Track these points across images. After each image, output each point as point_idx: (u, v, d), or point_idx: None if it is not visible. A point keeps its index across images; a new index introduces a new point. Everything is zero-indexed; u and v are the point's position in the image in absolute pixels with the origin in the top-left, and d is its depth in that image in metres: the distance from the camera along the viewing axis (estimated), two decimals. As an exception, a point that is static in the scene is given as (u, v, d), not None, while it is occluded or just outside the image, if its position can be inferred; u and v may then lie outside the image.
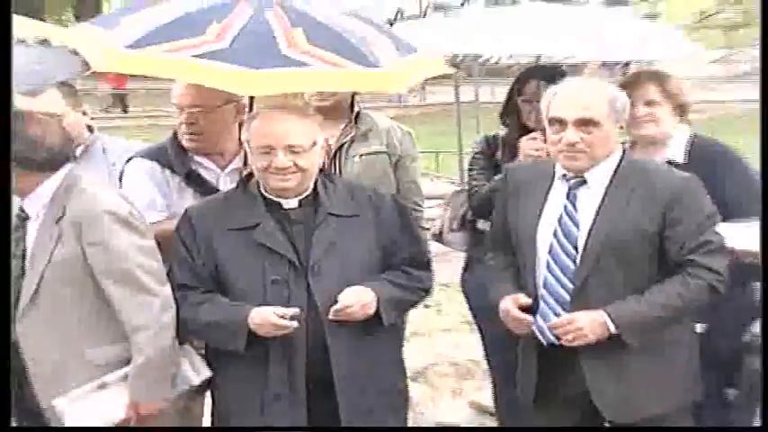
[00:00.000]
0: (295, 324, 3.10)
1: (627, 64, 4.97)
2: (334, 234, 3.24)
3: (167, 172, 3.80)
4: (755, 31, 30.46)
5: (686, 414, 3.30)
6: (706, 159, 3.76)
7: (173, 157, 3.81)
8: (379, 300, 3.21)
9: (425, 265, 3.42)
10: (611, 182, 3.21)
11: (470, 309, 4.52)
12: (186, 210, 3.41)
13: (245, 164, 3.67)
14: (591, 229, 3.16)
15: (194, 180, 3.81)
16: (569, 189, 3.23)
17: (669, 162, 3.73)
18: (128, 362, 3.30)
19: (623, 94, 3.29)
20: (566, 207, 3.22)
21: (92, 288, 3.30)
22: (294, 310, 3.10)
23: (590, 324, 3.10)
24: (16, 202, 3.35)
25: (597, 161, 3.21)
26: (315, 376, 3.17)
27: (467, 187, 4.55)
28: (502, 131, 4.48)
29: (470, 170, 4.49)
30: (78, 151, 4.01)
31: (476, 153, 4.48)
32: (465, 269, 4.50)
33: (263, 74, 3.20)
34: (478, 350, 4.91)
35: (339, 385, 3.18)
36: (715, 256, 3.15)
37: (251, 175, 3.36)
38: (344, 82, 3.54)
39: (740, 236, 3.32)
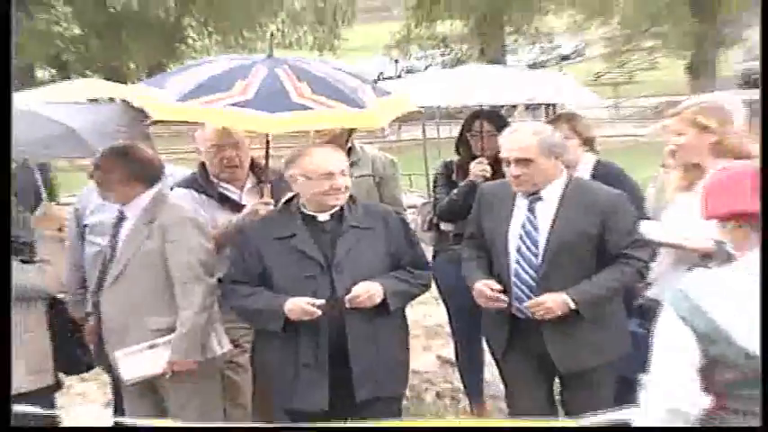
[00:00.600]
0: (319, 312, 3.07)
1: (553, 106, 4.96)
2: (354, 241, 3.19)
3: (202, 196, 3.80)
4: (636, 88, 30.62)
5: (614, 366, 3.33)
6: (606, 177, 3.76)
7: (204, 184, 3.83)
8: (385, 291, 3.16)
9: (424, 266, 3.37)
10: (561, 197, 3.24)
11: (437, 287, 4.44)
12: (242, 226, 3.43)
13: (258, 183, 3.79)
14: (549, 234, 3.21)
15: (223, 199, 3.79)
16: (529, 203, 3.26)
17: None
18: (173, 331, 3.34)
19: (553, 134, 3.27)
20: (528, 217, 3.25)
21: (162, 274, 3.35)
22: (321, 301, 3.08)
23: (556, 303, 3.16)
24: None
25: (541, 185, 3.23)
26: (335, 351, 3.12)
27: (432, 199, 4.54)
28: (456, 158, 4.45)
29: (434, 187, 4.50)
30: None
31: (438, 174, 4.48)
32: (433, 258, 4.43)
33: (278, 116, 3.23)
34: (443, 317, 4.86)
35: (353, 359, 3.14)
36: (642, 249, 3.25)
37: (292, 197, 3.33)
38: (339, 120, 3.55)
39: (655, 231, 3.34)
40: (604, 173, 3.85)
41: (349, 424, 3.16)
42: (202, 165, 3.90)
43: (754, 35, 31.94)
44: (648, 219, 3.43)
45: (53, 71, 28.83)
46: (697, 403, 2.15)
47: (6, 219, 2.57)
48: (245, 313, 3.31)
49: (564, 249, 3.18)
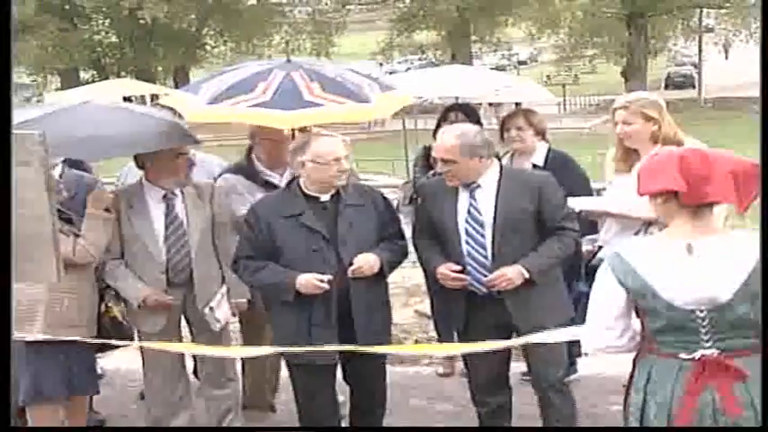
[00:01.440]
0: (326, 286, 3.00)
1: (518, 104, 4.96)
2: (352, 218, 3.11)
3: (248, 181, 3.71)
4: (581, 88, 30.61)
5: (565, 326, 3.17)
6: (557, 163, 3.78)
7: (250, 172, 3.74)
8: (381, 261, 3.10)
9: (403, 237, 3.29)
10: (498, 182, 3.10)
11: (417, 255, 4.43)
12: (252, 204, 3.28)
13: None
14: (494, 214, 3.06)
15: (266, 184, 3.67)
16: (470, 192, 3.11)
17: (534, 165, 3.78)
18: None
19: (476, 136, 3.08)
20: (471, 203, 3.10)
21: (212, 231, 3.51)
22: (328, 277, 3.00)
23: (514, 274, 3.02)
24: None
25: (470, 179, 3.09)
26: (342, 312, 3.06)
27: (411, 178, 4.51)
28: (435, 143, 4.43)
29: (414, 168, 4.47)
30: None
31: (418, 157, 4.45)
32: (413, 230, 4.42)
33: (292, 113, 3.22)
34: (420, 278, 4.81)
35: (356, 318, 3.08)
36: (573, 221, 3.15)
37: (292, 180, 3.23)
38: (347, 115, 3.47)
39: (581, 203, 3.36)
40: (556, 158, 3.85)
41: (343, 423, 3.25)
42: (249, 153, 3.80)
43: (674, 47, 32.05)
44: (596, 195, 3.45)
45: (94, 72, 28.65)
46: (617, 344, 2.21)
47: (6, 218, 2.43)
48: (260, 286, 3.23)
49: (509, 226, 3.05)
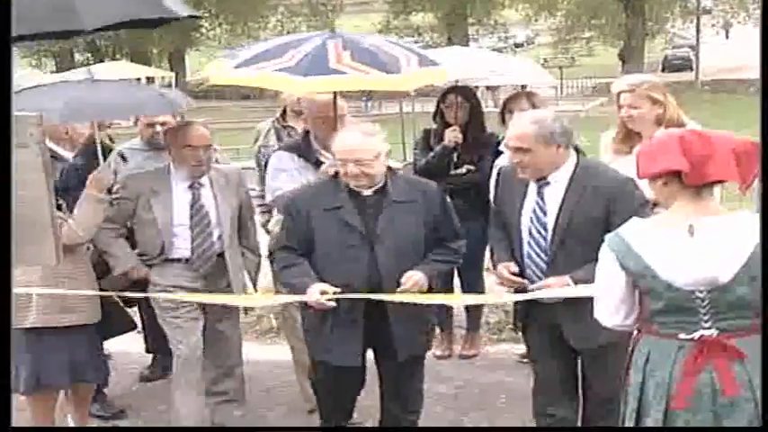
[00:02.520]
0: (331, 305, 2.82)
1: (523, 87, 4.88)
2: (394, 215, 2.91)
3: (301, 160, 3.52)
4: (578, 71, 30.54)
5: (622, 344, 2.82)
6: None
7: (304, 150, 3.53)
8: (429, 279, 2.91)
9: (458, 236, 3.05)
10: (569, 182, 2.81)
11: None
12: (291, 195, 3.13)
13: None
14: (557, 218, 2.80)
15: (319, 164, 3.44)
16: (538, 188, 2.85)
17: None
18: None
19: (554, 122, 2.80)
20: (537, 201, 2.85)
21: (239, 220, 3.50)
22: (335, 289, 2.82)
23: (558, 287, 2.77)
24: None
25: (543, 172, 2.80)
26: (371, 312, 2.89)
27: (412, 160, 4.45)
28: (434, 126, 4.40)
29: (414, 150, 4.43)
30: None
31: (418, 139, 4.41)
32: None
33: (308, 79, 3.11)
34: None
35: (392, 317, 2.90)
36: None
37: (338, 172, 3.03)
38: (366, 84, 3.39)
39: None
40: None
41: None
42: (306, 132, 3.63)
43: (672, 29, 31.94)
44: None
45: (89, 55, 28.45)
46: (625, 324, 2.23)
47: (7, 216, 2.40)
48: (282, 281, 3.11)
49: (570, 233, 2.77)
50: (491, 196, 3.17)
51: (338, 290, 2.82)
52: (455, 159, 4.21)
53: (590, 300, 2.61)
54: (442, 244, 3.00)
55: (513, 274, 2.86)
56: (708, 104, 20.63)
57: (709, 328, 2.10)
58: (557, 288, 2.78)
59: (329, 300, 2.82)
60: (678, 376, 2.10)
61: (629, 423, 2.21)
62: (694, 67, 32.11)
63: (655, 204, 2.86)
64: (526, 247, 2.86)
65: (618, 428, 2.74)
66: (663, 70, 32.67)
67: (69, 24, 2.98)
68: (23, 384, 3.33)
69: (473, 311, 4.53)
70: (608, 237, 2.24)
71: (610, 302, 2.23)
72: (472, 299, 3.04)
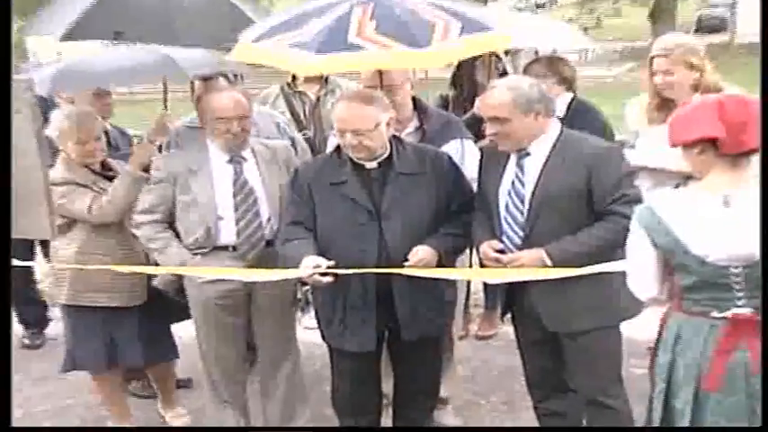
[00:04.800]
0: (327, 279, 2.78)
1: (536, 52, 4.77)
2: (402, 189, 2.88)
3: None
4: (601, 32, 30.22)
5: (614, 331, 2.87)
6: (579, 112, 3.71)
7: None
8: (440, 255, 2.87)
9: (473, 207, 2.98)
10: (550, 152, 2.78)
11: None
12: (295, 168, 3.08)
13: (420, 127, 3.32)
14: (534, 189, 2.77)
15: (396, 139, 3.13)
16: (518, 159, 2.82)
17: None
18: None
19: (532, 89, 2.77)
20: (516, 173, 2.82)
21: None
22: (330, 262, 2.78)
23: (530, 260, 2.72)
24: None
25: (522, 143, 2.77)
26: (382, 291, 2.88)
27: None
28: (452, 93, 4.36)
29: None
30: None
31: (436, 106, 4.18)
32: None
33: (318, 58, 2.89)
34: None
35: (398, 298, 2.90)
36: (630, 205, 2.57)
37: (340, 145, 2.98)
38: (388, 62, 3.08)
39: (634, 156, 3.19)
40: (577, 108, 3.78)
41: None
42: None
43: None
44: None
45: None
46: (661, 298, 2.26)
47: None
48: (281, 254, 3.00)
49: (548, 205, 2.73)
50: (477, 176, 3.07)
51: (332, 263, 2.79)
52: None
53: (565, 279, 2.66)
54: (455, 217, 2.98)
55: (498, 251, 2.80)
56: (744, 68, 20.38)
57: (743, 305, 2.12)
58: (529, 263, 2.70)
59: (324, 274, 2.78)
60: (709, 356, 2.13)
61: (658, 405, 2.25)
62: (730, 28, 31.69)
63: (689, 178, 2.87)
64: (504, 224, 2.83)
65: (619, 428, 2.83)
66: (696, 31, 32.23)
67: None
68: (62, 364, 3.48)
69: (491, 289, 4.56)
70: (637, 209, 2.25)
71: (643, 277, 2.26)
72: (488, 274, 2.98)
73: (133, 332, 3.40)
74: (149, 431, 3.68)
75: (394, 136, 2.98)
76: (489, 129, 2.80)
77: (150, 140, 3.47)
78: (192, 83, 3.80)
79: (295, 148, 3.58)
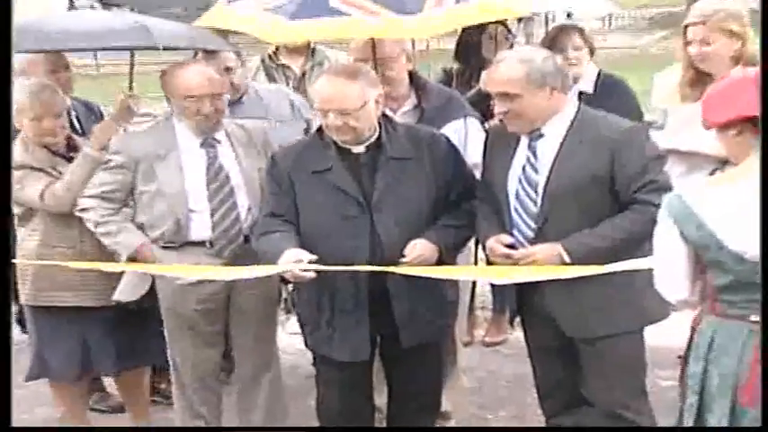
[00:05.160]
0: (309, 275, 2.73)
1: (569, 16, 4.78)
2: (395, 176, 2.85)
3: None
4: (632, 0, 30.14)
5: (638, 336, 2.86)
6: (609, 89, 3.70)
7: None
8: (440, 251, 2.85)
9: (474, 195, 2.97)
10: (566, 133, 2.75)
11: None
12: (273, 154, 3.05)
13: (418, 105, 3.32)
14: (549, 176, 2.73)
15: (386, 119, 3.08)
16: (530, 141, 2.78)
17: (581, 93, 3.67)
18: None
19: (546, 61, 2.75)
20: (528, 158, 2.78)
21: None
22: (313, 257, 2.74)
23: (546, 256, 2.69)
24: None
25: (536, 122, 2.75)
26: (376, 291, 2.85)
27: None
28: (455, 66, 4.33)
29: None
30: (243, 98, 3.81)
31: (438, 81, 4.23)
32: None
33: (293, 24, 2.87)
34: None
35: (394, 298, 2.87)
36: (657, 193, 2.56)
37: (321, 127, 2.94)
38: (367, 29, 3.09)
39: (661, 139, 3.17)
40: (606, 83, 3.78)
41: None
42: None
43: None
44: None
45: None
46: (693, 300, 2.24)
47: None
48: (258, 249, 2.95)
49: (564, 193, 2.70)
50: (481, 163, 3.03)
51: (314, 257, 2.75)
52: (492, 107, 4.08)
53: (583, 278, 2.63)
54: (454, 206, 2.96)
55: (508, 247, 2.77)
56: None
57: (786, 308, 2.09)
58: (544, 260, 2.68)
59: (306, 270, 2.74)
60: (747, 365, 2.11)
61: (689, 420, 2.23)
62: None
63: (725, 162, 2.85)
64: (514, 215, 2.80)
65: (622, 429, 2.81)
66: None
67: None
68: (29, 371, 3.43)
69: (500, 289, 4.54)
70: (666, 198, 2.23)
71: (672, 276, 2.23)
72: (496, 273, 2.95)
73: (108, 335, 3.37)
74: (150, 431, 3.67)
75: (384, 115, 2.94)
76: (498, 106, 2.76)
77: (87, 152, 3.34)
78: (194, 54, 3.79)
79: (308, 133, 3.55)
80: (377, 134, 2.89)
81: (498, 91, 2.75)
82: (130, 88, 3.58)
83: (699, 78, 3.24)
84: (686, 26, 3.29)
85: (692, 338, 2.27)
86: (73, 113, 3.70)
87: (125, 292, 3.21)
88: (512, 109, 2.73)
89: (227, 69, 3.70)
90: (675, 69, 3.46)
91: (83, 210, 3.18)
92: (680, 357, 2.40)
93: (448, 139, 3.03)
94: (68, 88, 3.80)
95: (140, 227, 3.18)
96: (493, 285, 4.53)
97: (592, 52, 3.87)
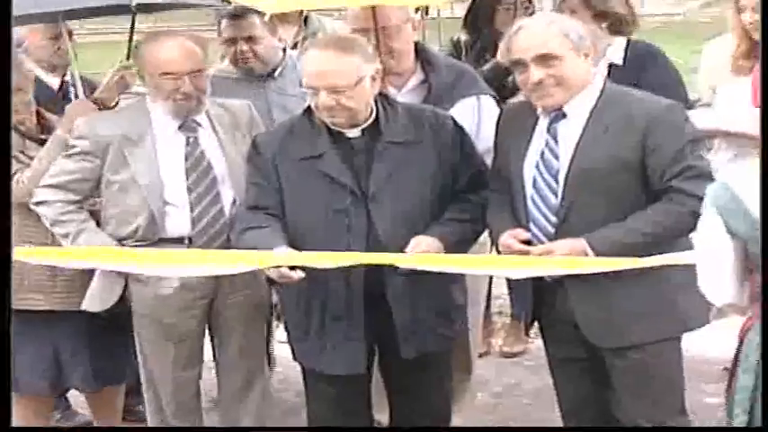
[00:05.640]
0: (298, 275, 2.76)
1: None
2: (395, 162, 2.86)
3: None
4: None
5: (674, 344, 2.85)
6: (639, 58, 3.67)
7: None
8: (445, 246, 2.85)
9: (484, 183, 2.98)
10: (591, 113, 2.74)
11: None
12: (254, 138, 3.06)
13: (425, 81, 3.34)
14: (571, 162, 2.72)
15: (383, 98, 3.08)
16: (550, 123, 2.77)
17: (610, 66, 3.64)
18: None
19: (578, 25, 2.79)
20: (547, 141, 2.77)
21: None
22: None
23: (568, 252, 2.68)
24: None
25: (571, 94, 2.74)
26: (372, 296, 2.86)
27: None
28: (464, 36, 4.35)
29: None
30: (276, 72, 3.82)
31: (448, 54, 4.26)
32: None
33: None
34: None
35: (394, 303, 2.88)
36: (696, 180, 2.60)
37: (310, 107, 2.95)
38: None
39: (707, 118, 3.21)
40: (637, 53, 3.72)
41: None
42: None
43: None
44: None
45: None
46: (741, 305, 2.26)
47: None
48: (240, 246, 2.95)
49: (589, 182, 2.70)
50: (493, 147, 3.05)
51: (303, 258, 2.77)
52: (509, 84, 4.09)
53: (612, 278, 2.64)
54: (462, 197, 2.98)
55: (525, 243, 2.76)
56: None
57: None
58: (582, 257, 2.65)
59: (295, 268, 2.76)
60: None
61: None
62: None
63: None
64: (531, 207, 2.79)
65: (623, 428, 2.85)
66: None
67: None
68: None
69: (520, 292, 4.55)
70: (711, 187, 2.26)
71: (719, 275, 2.25)
72: (509, 263, 2.88)
73: (81, 345, 3.38)
74: (147, 431, 3.71)
75: (381, 94, 2.94)
76: (535, 73, 2.71)
77: (96, 99, 3.38)
78: (218, 22, 3.80)
79: None
80: (373, 116, 2.90)
81: (536, 54, 2.70)
82: (128, 58, 3.56)
83: (753, 49, 3.25)
84: None
85: (739, 349, 2.29)
86: (80, 90, 3.67)
87: (94, 301, 3.20)
88: (552, 75, 2.71)
89: (250, 39, 3.73)
90: (727, 40, 3.47)
91: (38, 203, 3.16)
92: (725, 369, 2.42)
93: (455, 121, 3.03)
94: (65, 59, 3.78)
95: (109, 222, 3.18)
96: (511, 287, 4.55)
97: (620, 22, 3.76)
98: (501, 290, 4.71)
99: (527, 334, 4.21)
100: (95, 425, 3.78)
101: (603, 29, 3.70)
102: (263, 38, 3.77)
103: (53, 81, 3.87)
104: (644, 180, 2.71)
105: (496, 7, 4.27)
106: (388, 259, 2.78)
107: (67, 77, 3.83)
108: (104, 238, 3.14)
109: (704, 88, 3.70)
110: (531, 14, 4.23)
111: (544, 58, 2.70)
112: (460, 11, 4.54)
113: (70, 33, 3.77)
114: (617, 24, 3.74)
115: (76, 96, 3.67)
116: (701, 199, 2.42)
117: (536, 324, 3.15)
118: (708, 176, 2.59)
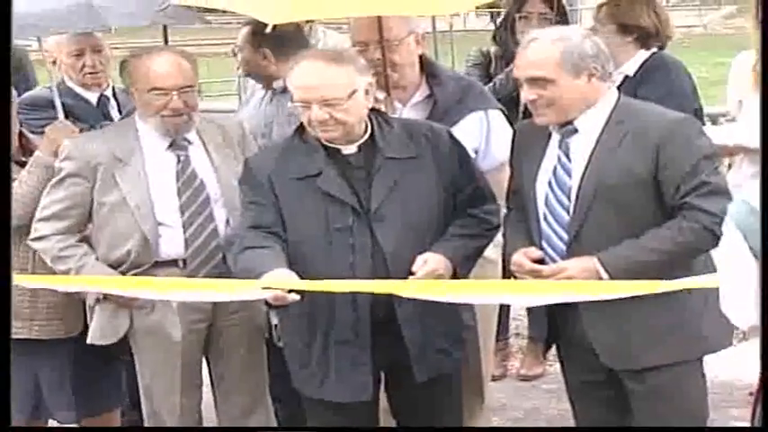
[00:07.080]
0: (294, 297, 2.73)
1: None
2: (394, 178, 2.85)
3: None
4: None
5: (695, 367, 2.84)
6: (649, 69, 3.71)
7: None
8: (454, 266, 2.86)
9: (489, 199, 3.00)
10: (603, 128, 2.76)
11: None
12: (246, 160, 3.04)
13: (431, 95, 3.33)
14: (582, 178, 2.74)
15: (377, 114, 3.07)
16: (561, 138, 2.79)
17: (625, 78, 3.67)
18: None
19: (585, 42, 2.76)
20: (559, 157, 2.79)
21: None
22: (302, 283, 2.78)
23: (580, 272, 2.69)
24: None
25: (570, 113, 2.76)
26: (380, 318, 2.84)
27: None
28: (493, 48, 4.34)
29: None
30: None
31: (472, 65, 4.31)
32: None
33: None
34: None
35: (405, 325, 2.85)
36: (711, 197, 2.62)
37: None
38: (370, 5, 3.13)
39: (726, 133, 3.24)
40: (655, 64, 3.74)
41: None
42: None
43: None
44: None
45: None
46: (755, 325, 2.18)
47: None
48: (239, 267, 2.90)
49: (602, 198, 2.70)
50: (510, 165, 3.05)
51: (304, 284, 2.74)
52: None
53: (627, 298, 2.62)
54: (462, 213, 2.97)
55: (537, 261, 2.76)
56: None
57: None
58: (577, 278, 2.66)
59: (291, 291, 2.72)
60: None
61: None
62: None
63: None
64: (543, 225, 2.80)
65: (625, 428, 2.84)
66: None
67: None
68: None
69: (538, 312, 4.52)
70: (732, 205, 2.22)
71: (742, 297, 2.19)
72: (518, 288, 2.90)
73: (63, 375, 3.35)
74: (145, 431, 3.68)
75: (373, 110, 2.92)
76: (527, 93, 2.75)
77: (38, 157, 3.30)
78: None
79: None
80: (369, 132, 2.88)
81: (527, 75, 2.74)
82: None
83: None
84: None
85: (765, 373, 2.25)
86: (113, 104, 3.76)
87: (103, 333, 3.17)
88: (542, 96, 2.72)
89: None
90: (752, 53, 3.45)
91: (37, 239, 3.15)
92: (751, 395, 2.38)
93: (451, 134, 3.02)
94: (95, 76, 3.85)
95: (100, 245, 3.15)
96: (529, 308, 4.52)
97: (647, 34, 3.80)
98: (518, 311, 4.68)
99: (544, 357, 4.15)
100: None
101: (630, 42, 3.74)
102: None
103: (91, 96, 3.91)
104: (658, 196, 2.71)
105: (516, 18, 4.25)
106: (392, 288, 2.76)
107: (107, 92, 3.90)
108: (105, 270, 3.12)
109: (732, 102, 3.70)
110: (553, 24, 4.23)
111: (536, 80, 2.72)
112: (473, 24, 4.51)
113: (96, 48, 3.83)
114: (644, 38, 3.78)
115: (119, 112, 3.78)
116: (715, 215, 2.48)
117: (554, 347, 3.14)
118: (724, 193, 2.58)
